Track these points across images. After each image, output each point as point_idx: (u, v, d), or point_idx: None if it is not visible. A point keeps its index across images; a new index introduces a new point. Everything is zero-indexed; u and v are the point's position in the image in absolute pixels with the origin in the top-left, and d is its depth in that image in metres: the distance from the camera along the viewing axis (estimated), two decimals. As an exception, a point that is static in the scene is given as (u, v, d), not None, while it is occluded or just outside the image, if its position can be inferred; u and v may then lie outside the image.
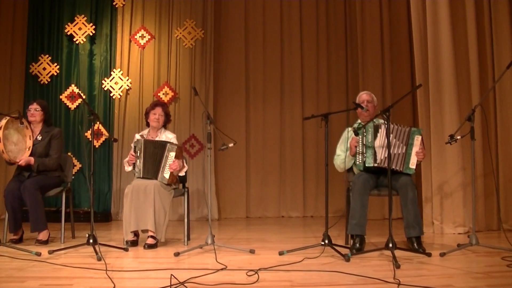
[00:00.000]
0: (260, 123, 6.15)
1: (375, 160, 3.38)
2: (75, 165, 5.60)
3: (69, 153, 5.54)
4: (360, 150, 3.42)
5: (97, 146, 5.70)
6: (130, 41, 5.88)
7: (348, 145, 3.52)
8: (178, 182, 3.92)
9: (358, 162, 3.46)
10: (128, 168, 3.86)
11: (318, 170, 6.08)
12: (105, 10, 5.89)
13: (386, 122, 3.09)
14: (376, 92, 4.20)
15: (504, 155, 4.42)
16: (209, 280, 2.45)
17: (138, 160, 3.74)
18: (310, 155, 6.14)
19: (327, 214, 3.35)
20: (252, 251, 3.31)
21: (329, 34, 6.27)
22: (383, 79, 5.77)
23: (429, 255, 3.07)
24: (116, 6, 5.87)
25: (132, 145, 3.83)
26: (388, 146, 3.12)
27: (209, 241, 3.35)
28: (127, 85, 5.81)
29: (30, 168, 3.75)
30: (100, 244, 3.25)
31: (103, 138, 5.71)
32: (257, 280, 2.46)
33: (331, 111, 4.24)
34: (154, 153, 3.72)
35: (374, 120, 3.45)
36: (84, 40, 5.81)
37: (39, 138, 3.86)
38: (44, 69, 5.77)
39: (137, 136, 3.90)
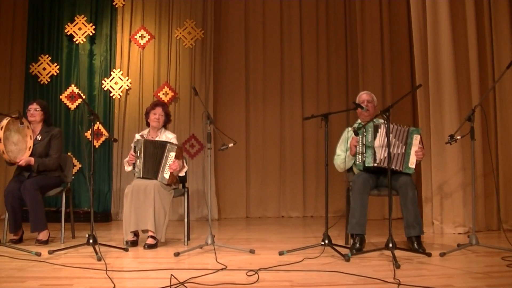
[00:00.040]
0: (260, 123, 6.15)
1: (374, 160, 3.38)
2: (75, 165, 5.60)
3: (69, 153, 5.54)
4: (360, 150, 3.42)
5: (97, 146, 5.70)
6: (130, 41, 5.88)
7: (348, 145, 3.52)
8: (178, 182, 3.92)
9: (358, 162, 3.46)
10: (128, 168, 3.86)
11: (318, 170, 6.08)
12: (105, 10, 5.89)
13: (386, 122, 3.09)
14: (376, 92, 4.20)
15: (504, 155, 4.42)
16: (209, 280, 2.45)
17: (138, 160, 3.74)
18: (310, 155, 6.14)
19: (327, 214, 3.35)
20: (252, 251, 3.31)
21: (329, 34, 6.27)
22: (383, 79, 5.77)
23: (429, 255, 3.07)
24: (116, 6, 5.87)
25: (132, 145, 3.83)
26: (388, 146, 3.12)
27: (209, 241, 3.35)
28: (127, 85, 5.81)
29: (30, 168, 3.76)
30: (100, 244, 3.25)
31: (103, 138, 5.72)
32: (257, 280, 2.46)
33: (331, 111, 4.24)
34: (154, 153, 3.72)
35: (374, 120, 3.45)
36: (84, 40, 5.81)
37: (39, 138, 3.86)
38: (44, 69, 5.77)
39: (137, 136, 3.90)
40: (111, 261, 3.00)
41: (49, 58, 5.79)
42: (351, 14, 6.17)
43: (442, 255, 3.07)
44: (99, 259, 2.96)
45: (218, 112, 6.03)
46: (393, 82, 5.79)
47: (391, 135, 3.27)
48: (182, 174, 3.87)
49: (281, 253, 3.20)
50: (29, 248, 3.24)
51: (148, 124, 3.98)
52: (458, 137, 3.39)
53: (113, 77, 5.80)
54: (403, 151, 3.38)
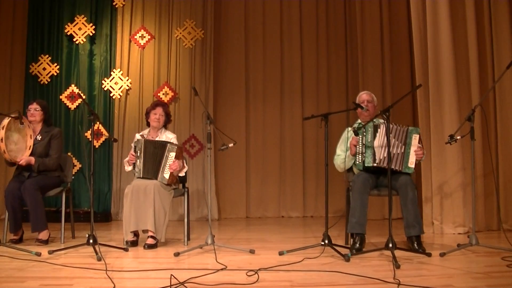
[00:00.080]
0: (260, 123, 6.15)
1: (374, 160, 3.38)
2: (75, 165, 5.60)
3: (69, 153, 5.54)
4: (360, 150, 3.42)
5: (97, 146, 5.70)
6: (130, 41, 5.88)
7: (348, 145, 3.52)
8: (178, 182, 3.92)
9: (357, 162, 3.46)
10: (128, 168, 3.86)
11: (318, 170, 6.08)
12: (105, 10, 5.89)
13: (385, 122, 3.09)
14: (376, 92, 4.20)
15: (504, 155, 4.42)
16: (209, 280, 2.45)
17: (138, 160, 3.74)
18: (310, 155, 6.14)
19: (327, 214, 3.35)
20: (252, 251, 3.31)
21: (329, 34, 6.27)
22: (383, 79, 5.77)
23: (429, 255, 3.07)
24: (116, 6, 5.87)
25: (133, 145, 3.83)
26: (388, 146, 3.12)
27: (209, 241, 3.35)
28: (127, 85, 5.81)
29: (30, 168, 3.76)
30: (100, 244, 3.25)
31: (103, 138, 5.72)
32: (257, 280, 2.46)
33: (331, 111, 4.24)
34: (154, 153, 3.72)
35: (374, 120, 3.45)
36: (84, 40, 5.81)
37: (39, 138, 3.86)
38: (44, 69, 5.78)
39: (138, 136, 3.90)
40: (111, 261, 3.00)
41: (49, 58, 5.79)
42: (351, 14, 6.17)
43: (442, 255, 3.07)
44: (99, 259, 2.96)
45: (218, 112, 6.03)
46: (393, 82, 5.79)
47: (390, 135, 3.27)
48: (182, 174, 3.87)
49: (281, 253, 3.20)
50: (29, 248, 3.24)
51: (148, 124, 3.98)
52: (458, 137, 3.39)
53: (113, 77, 5.80)
54: (402, 151, 3.38)
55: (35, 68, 5.77)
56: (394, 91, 5.74)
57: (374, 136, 3.40)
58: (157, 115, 3.88)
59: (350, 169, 3.70)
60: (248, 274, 2.60)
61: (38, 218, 3.62)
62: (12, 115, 3.58)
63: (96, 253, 3.02)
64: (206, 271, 2.67)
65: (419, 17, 4.47)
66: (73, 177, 5.03)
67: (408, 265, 2.83)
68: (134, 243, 3.61)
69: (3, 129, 3.51)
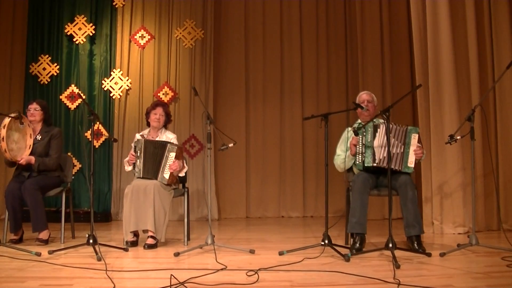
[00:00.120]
0: (260, 123, 6.15)
1: (374, 160, 3.38)
2: (75, 165, 5.60)
3: (69, 153, 5.54)
4: (360, 150, 3.42)
5: (97, 146, 5.70)
6: (130, 41, 5.88)
7: (348, 145, 3.52)
8: (178, 182, 3.92)
9: (357, 162, 3.46)
10: (128, 168, 3.86)
11: (318, 170, 6.08)
12: (105, 10, 5.89)
13: (385, 122, 3.09)
14: (376, 92, 4.20)
15: (504, 155, 4.42)
16: (209, 280, 2.45)
17: (138, 160, 3.74)
18: (310, 155, 6.14)
19: (327, 214, 3.35)
20: (252, 251, 3.30)
21: (329, 34, 6.27)
22: (383, 79, 5.77)
23: (429, 255, 3.07)
24: (116, 6, 5.87)
25: (133, 144, 3.83)
26: (388, 146, 3.12)
27: (209, 241, 3.35)
28: (127, 85, 5.81)
29: (30, 168, 3.76)
30: (100, 244, 3.25)
31: (103, 138, 5.72)
32: (257, 280, 2.46)
33: (331, 111, 4.24)
34: (154, 153, 3.72)
35: (374, 120, 3.45)
36: (84, 40, 5.81)
37: (39, 137, 3.86)
38: (44, 69, 5.78)
39: (138, 136, 3.90)
40: (111, 261, 3.00)
41: (49, 58, 5.79)
42: (351, 14, 6.17)
43: (442, 255, 3.07)
44: (99, 259, 2.96)
45: (218, 112, 6.03)
46: (393, 82, 5.80)
47: (390, 135, 3.27)
48: (182, 174, 3.87)
49: (281, 253, 3.20)
50: (29, 248, 3.24)
51: (148, 124, 3.98)
52: (458, 137, 3.39)
53: (113, 77, 5.80)
54: (401, 150, 3.38)
55: (35, 68, 5.77)
56: (394, 91, 5.74)
57: (374, 136, 3.40)
58: (157, 115, 3.88)
59: (350, 169, 3.70)
60: (248, 274, 2.60)
61: (38, 218, 3.62)
62: (12, 115, 3.58)
63: (96, 253, 3.02)
64: (206, 271, 2.67)
65: (419, 17, 4.47)
66: (73, 177, 5.03)
67: (408, 265, 2.83)
68: (134, 244, 3.61)
69: (4, 128, 3.51)
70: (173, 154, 3.70)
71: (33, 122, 3.87)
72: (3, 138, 3.49)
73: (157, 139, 3.87)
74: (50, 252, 3.20)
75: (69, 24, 5.81)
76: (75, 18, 5.82)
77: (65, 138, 5.55)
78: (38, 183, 3.69)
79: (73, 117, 5.77)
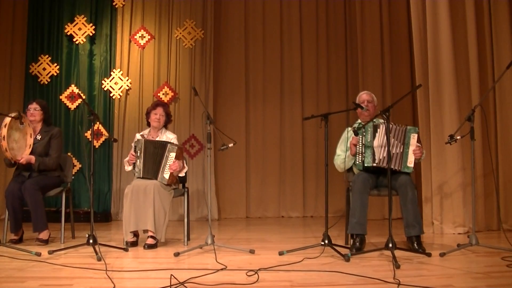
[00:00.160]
0: (260, 123, 6.15)
1: (374, 160, 3.38)
2: (75, 165, 5.60)
3: (69, 153, 5.54)
4: (360, 150, 3.42)
5: (97, 146, 5.70)
6: (130, 41, 5.88)
7: (348, 145, 3.52)
8: (178, 182, 3.92)
9: (357, 162, 3.46)
10: (128, 168, 3.87)
11: (318, 170, 6.08)
12: (105, 10, 5.89)
13: (385, 122, 3.09)
14: (376, 92, 4.20)
15: (504, 155, 4.42)
16: (209, 280, 2.45)
17: (138, 160, 3.75)
18: (310, 155, 6.14)
19: (327, 214, 3.35)
20: (252, 251, 3.30)
21: (329, 34, 6.27)
22: (383, 79, 5.77)
23: (429, 255, 3.07)
24: (116, 6, 5.87)
25: (133, 144, 3.83)
26: (388, 146, 3.12)
27: (209, 241, 3.35)
28: (127, 85, 5.81)
29: (30, 168, 3.76)
30: (100, 244, 3.25)
31: (103, 138, 5.72)
32: (257, 280, 2.46)
33: (331, 111, 4.24)
34: (154, 153, 3.72)
35: (374, 120, 3.45)
36: (84, 40, 5.81)
37: (39, 137, 3.86)
38: (44, 69, 5.78)
39: (138, 136, 3.90)
40: (111, 261, 3.00)
41: (49, 58, 5.79)
42: (351, 14, 6.17)
43: (442, 255, 3.07)
44: (99, 259, 2.96)
45: (218, 112, 6.03)
46: (393, 82, 5.80)
47: (390, 135, 3.26)
48: (182, 174, 3.87)
49: (281, 253, 3.20)
50: (29, 248, 3.24)
51: (148, 124, 3.98)
52: (458, 137, 3.39)
53: (113, 77, 5.80)
54: (401, 150, 3.38)
55: (35, 68, 5.77)
56: (394, 91, 5.74)
57: (374, 136, 3.40)
58: (158, 115, 3.88)
59: (350, 169, 3.70)
60: (248, 274, 2.60)
61: (38, 218, 3.62)
62: (12, 115, 3.58)
63: (96, 253, 3.02)
64: (206, 271, 2.67)
65: (419, 17, 4.47)
66: (73, 177, 5.03)
67: (408, 265, 2.83)
68: (134, 244, 3.61)
69: (5, 127, 3.51)
70: (173, 154, 3.70)
71: (33, 122, 3.87)
72: (3, 137, 3.49)
73: (157, 139, 3.87)
74: (50, 252, 3.20)
75: (69, 24, 5.81)
76: (75, 18, 5.82)
77: (65, 138, 5.55)
78: (38, 183, 3.69)
79: (73, 117, 5.77)
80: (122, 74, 5.81)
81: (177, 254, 3.19)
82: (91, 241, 3.21)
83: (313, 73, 6.22)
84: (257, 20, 6.21)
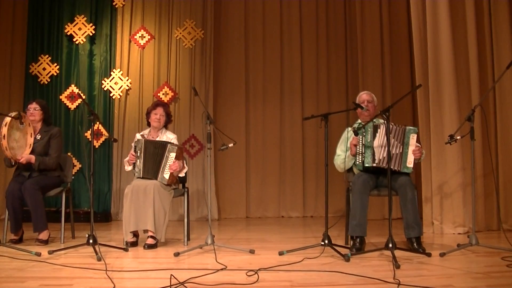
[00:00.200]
0: (260, 123, 6.15)
1: (373, 160, 3.38)
2: (75, 165, 5.60)
3: (69, 153, 5.54)
4: (360, 150, 3.42)
5: (97, 146, 5.70)
6: (130, 41, 5.88)
7: (349, 145, 3.52)
8: (178, 182, 3.92)
9: (357, 162, 3.46)
10: (128, 168, 3.87)
11: (318, 170, 6.08)
12: (105, 10, 5.89)
13: (385, 122, 3.09)
14: (376, 92, 4.20)
15: (504, 155, 4.42)
16: (209, 280, 2.45)
17: (138, 160, 3.74)
18: (310, 155, 6.14)
19: (327, 214, 3.35)
20: (252, 251, 3.30)
21: (329, 34, 6.27)
22: (383, 79, 5.77)
23: (429, 255, 3.07)
24: (116, 6, 5.87)
25: (133, 144, 3.83)
26: (388, 146, 3.12)
27: (209, 241, 3.35)
28: (127, 85, 5.81)
29: (30, 168, 3.76)
30: (100, 244, 3.25)
31: (103, 138, 5.72)
32: (257, 280, 2.46)
33: (331, 111, 4.24)
34: (154, 153, 3.72)
35: (374, 120, 3.45)
36: (84, 40, 5.81)
37: (38, 137, 3.86)
38: (44, 69, 5.78)
39: (138, 136, 3.90)
40: (111, 261, 3.00)
41: (49, 58, 5.79)
42: (351, 14, 6.17)
43: (442, 255, 3.07)
44: (99, 259, 2.96)
45: (218, 112, 6.03)
46: (393, 82, 5.80)
47: (390, 135, 3.26)
48: (182, 174, 3.87)
49: (281, 253, 3.20)
50: (29, 248, 3.24)
51: (149, 124, 3.98)
52: (458, 137, 3.39)
53: (113, 77, 5.80)
54: (400, 151, 3.38)
55: (35, 68, 5.77)
56: (394, 91, 5.74)
57: (374, 136, 3.40)
58: (158, 115, 3.88)
59: (350, 169, 3.70)
60: (248, 274, 2.60)
61: (38, 218, 3.63)
62: (12, 115, 3.58)
63: (96, 253, 3.02)
64: (206, 271, 2.67)
65: (419, 17, 4.47)
66: (73, 177, 5.03)
67: (408, 265, 2.83)
68: (134, 244, 3.61)
69: (5, 126, 3.51)
70: (173, 155, 3.70)
71: (33, 122, 3.87)
72: (4, 136, 3.49)
73: (158, 139, 3.87)
74: (50, 252, 3.20)
75: (69, 24, 5.81)
76: (75, 18, 5.82)
77: (65, 138, 5.55)
78: (38, 183, 3.69)
79: (73, 117, 5.77)
80: (122, 74, 5.81)
81: (177, 254, 3.19)
82: (91, 241, 3.21)
83: (313, 73, 6.22)
84: (257, 20, 6.21)
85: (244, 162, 6.04)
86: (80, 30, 5.80)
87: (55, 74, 5.78)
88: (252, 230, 4.94)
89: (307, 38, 6.24)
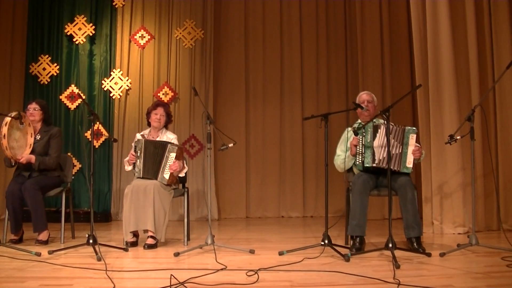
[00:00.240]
0: (260, 123, 6.15)
1: (373, 160, 3.38)
2: (75, 165, 5.60)
3: (69, 153, 5.54)
4: (360, 150, 3.42)
5: (97, 146, 5.70)
6: (130, 41, 5.88)
7: (348, 145, 3.52)
8: (178, 182, 3.92)
9: (358, 163, 3.46)
10: (128, 168, 3.87)
11: (318, 170, 6.08)
12: (105, 10, 5.89)
13: (385, 122, 3.09)
14: (376, 92, 4.20)
15: (504, 155, 4.42)
16: (209, 280, 2.45)
17: (138, 160, 3.74)
18: (310, 155, 6.14)
19: (327, 214, 3.35)
20: (252, 251, 3.30)
21: (329, 34, 6.27)
22: (383, 79, 5.77)
23: (429, 255, 3.07)
24: (116, 6, 5.87)
25: (133, 144, 3.83)
26: (388, 146, 3.12)
27: (209, 241, 3.35)
28: (127, 85, 5.81)
29: (30, 168, 3.76)
30: (100, 244, 3.25)
31: (103, 138, 5.72)
32: (257, 280, 2.46)
33: (331, 111, 4.24)
34: (154, 153, 3.72)
35: (374, 120, 3.45)
36: (84, 40, 5.81)
37: (38, 137, 3.86)
38: (44, 69, 5.78)
39: (138, 136, 3.90)
40: (111, 261, 3.00)
41: (49, 58, 5.79)
42: (351, 14, 6.17)
43: (442, 255, 3.07)
44: (99, 259, 2.96)
45: (218, 112, 6.03)
46: (393, 82, 5.80)
47: (390, 135, 3.26)
48: (182, 175, 3.87)
49: (281, 253, 3.20)
50: (29, 248, 3.24)
51: (149, 124, 3.98)
52: (458, 137, 3.39)
53: (113, 77, 5.80)
54: (400, 151, 3.38)
55: (35, 68, 5.77)
56: (394, 91, 5.74)
57: (374, 137, 3.40)
58: (158, 115, 3.88)
59: (350, 169, 3.70)
60: (248, 274, 2.60)
61: (38, 218, 3.63)
62: (12, 115, 3.58)
63: (96, 253, 3.02)
64: (206, 271, 2.67)
65: (419, 17, 4.47)
66: (73, 177, 5.03)
67: (408, 265, 2.83)
68: (134, 244, 3.61)
69: (6, 125, 3.51)
70: (173, 155, 3.70)
71: (33, 122, 3.86)
72: (4, 136, 3.49)
73: (158, 139, 3.87)
74: (50, 252, 3.20)
75: (69, 24, 5.81)
76: (75, 18, 5.82)
77: (65, 138, 5.55)
78: (39, 183, 3.69)
79: (73, 117, 5.77)
80: (122, 74, 5.81)
81: (177, 254, 3.19)
82: (91, 241, 3.21)
83: (313, 73, 6.22)
84: (257, 20, 6.21)
85: (244, 162, 6.04)
86: (80, 30, 5.80)
87: (55, 74, 5.78)
88: (252, 230, 4.94)
89: (307, 38, 6.24)
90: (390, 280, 2.40)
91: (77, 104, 5.75)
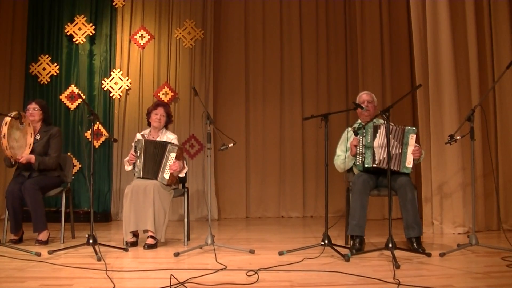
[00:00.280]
0: (260, 123, 6.15)
1: (374, 160, 3.38)
2: (75, 165, 5.60)
3: (69, 153, 5.54)
4: (360, 150, 3.42)
5: (97, 146, 5.70)
6: (130, 41, 5.88)
7: (348, 145, 3.52)
8: (178, 182, 3.92)
9: (358, 163, 3.46)
10: (128, 168, 3.87)
11: (318, 170, 6.08)
12: (105, 10, 5.89)
13: (386, 122, 3.09)
14: (376, 92, 4.20)
15: (504, 155, 4.42)
16: (209, 280, 2.45)
17: (138, 160, 3.74)
18: (310, 155, 6.14)
19: (327, 214, 3.35)
20: (252, 251, 3.30)
21: (329, 35, 6.27)
22: (383, 79, 5.77)
23: (429, 255, 3.07)
24: (116, 6, 5.87)
25: (133, 144, 3.83)
26: (388, 146, 3.11)
27: (209, 241, 3.35)
28: (127, 85, 5.81)
29: (30, 168, 3.76)
30: (100, 244, 3.25)
31: (103, 138, 5.72)
32: (257, 280, 2.46)
33: (331, 111, 4.23)
34: (154, 153, 3.72)
35: (374, 120, 3.44)
36: (84, 40, 5.81)
37: (38, 137, 3.86)
38: (44, 69, 5.78)
39: (138, 136, 3.90)
40: (111, 261, 3.00)
41: (49, 58, 5.79)
42: (351, 14, 6.17)
43: (442, 255, 3.07)
44: (99, 259, 2.96)
45: (218, 112, 6.03)
46: (393, 82, 5.80)
47: (390, 135, 3.26)
48: (182, 175, 3.87)
49: (281, 253, 3.20)
50: (29, 248, 3.24)
51: (149, 124, 3.98)
52: (458, 137, 3.39)
53: (113, 77, 5.80)
54: (399, 151, 3.38)
55: (35, 68, 5.77)
56: (394, 91, 5.74)
57: (374, 137, 3.40)
58: (158, 115, 3.88)
59: (350, 170, 3.70)
60: (248, 274, 2.60)
61: (38, 218, 3.63)
62: (12, 115, 3.58)
63: (96, 253, 3.02)
64: (206, 271, 2.67)
65: (419, 17, 4.47)
66: (73, 177, 5.03)
67: (408, 265, 2.83)
68: (133, 244, 3.61)
69: (6, 125, 3.51)
70: (173, 155, 3.70)
71: (33, 122, 3.87)
72: (4, 135, 3.50)
73: (158, 139, 3.87)
74: (50, 252, 3.20)
75: (69, 24, 5.81)
76: (75, 18, 5.82)
77: (65, 138, 5.55)
78: (38, 183, 3.69)
79: (73, 117, 5.77)
80: (122, 74, 5.81)
81: (177, 254, 3.19)
82: (91, 241, 3.21)
83: (313, 73, 6.22)
84: (257, 20, 6.21)
85: (244, 162, 6.04)
86: (80, 30, 5.80)
87: (55, 74, 5.78)
88: (252, 230, 4.94)
89: (307, 38, 6.24)
90: (390, 280, 2.40)
91: (77, 104, 5.75)
